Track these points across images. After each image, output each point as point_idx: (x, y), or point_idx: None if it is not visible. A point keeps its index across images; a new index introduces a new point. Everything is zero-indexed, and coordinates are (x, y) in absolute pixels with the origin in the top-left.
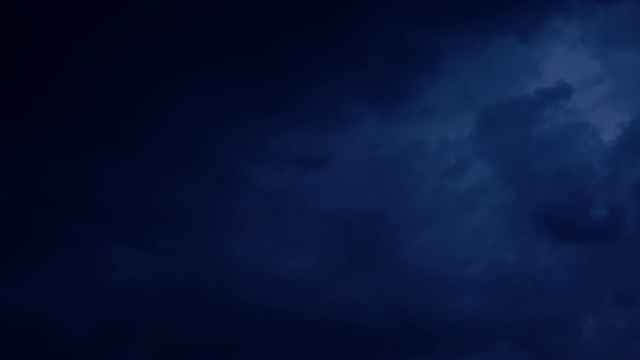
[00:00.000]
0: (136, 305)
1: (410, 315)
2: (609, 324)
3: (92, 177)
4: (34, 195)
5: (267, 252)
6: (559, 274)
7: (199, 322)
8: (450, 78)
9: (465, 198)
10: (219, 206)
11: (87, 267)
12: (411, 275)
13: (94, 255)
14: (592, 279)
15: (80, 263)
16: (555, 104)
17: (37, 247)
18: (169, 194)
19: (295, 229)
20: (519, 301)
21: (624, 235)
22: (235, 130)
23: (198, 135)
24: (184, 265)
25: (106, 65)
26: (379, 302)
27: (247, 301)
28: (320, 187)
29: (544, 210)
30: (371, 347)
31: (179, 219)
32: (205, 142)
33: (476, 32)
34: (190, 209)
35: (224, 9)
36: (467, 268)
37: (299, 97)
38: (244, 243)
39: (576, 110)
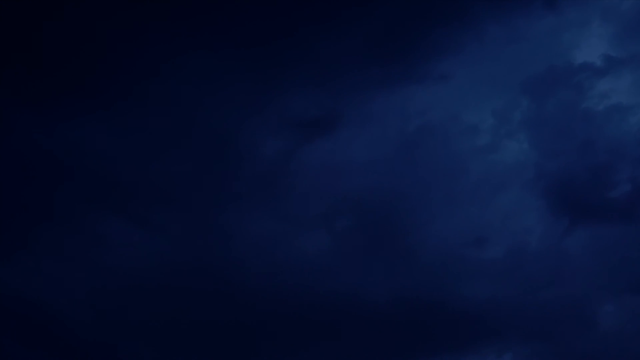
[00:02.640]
0: (132, 286)
1: (421, 301)
2: (628, 312)
3: (83, 146)
4: (22, 166)
5: (273, 231)
6: (577, 258)
7: (199, 306)
8: (474, 45)
9: (492, 176)
10: (218, 179)
11: (79, 245)
12: (426, 259)
13: (85, 232)
14: (611, 263)
15: (71, 240)
16: (591, 78)
17: (26, 222)
18: (162, 164)
19: (303, 206)
20: (533, 287)
21: None
22: (236, 94)
23: (195, 101)
24: (182, 245)
25: (101, 27)
26: (389, 287)
27: (251, 284)
28: (331, 161)
29: (567, 189)
30: (378, 333)
31: (175, 193)
32: (202, 108)
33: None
34: (187, 182)
35: None
36: (485, 252)
37: (304, 55)
38: (247, 221)
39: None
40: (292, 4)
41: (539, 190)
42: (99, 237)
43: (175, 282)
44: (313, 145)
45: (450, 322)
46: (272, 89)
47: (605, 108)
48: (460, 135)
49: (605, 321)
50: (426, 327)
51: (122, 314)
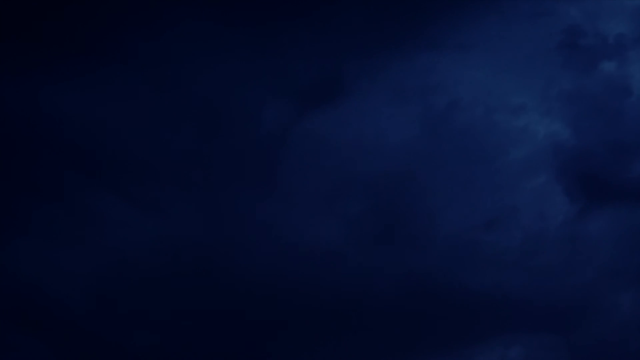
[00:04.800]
0: (131, 268)
1: (431, 291)
2: None
3: (74, 116)
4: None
5: (278, 215)
6: (593, 243)
7: (201, 294)
8: (495, 15)
9: (518, 157)
10: (218, 154)
11: (76, 226)
12: (440, 247)
13: (83, 212)
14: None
15: (68, 221)
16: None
17: (18, 200)
18: (158, 138)
19: (308, 186)
20: (544, 276)
21: None
22: (234, 59)
23: (192, 70)
24: (182, 225)
25: None
26: (398, 276)
27: (256, 271)
28: (341, 141)
29: (587, 170)
30: (386, 324)
31: (173, 170)
32: (200, 77)
33: None
34: (185, 157)
35: None
36: (499, 239)
37: (308, 16)
38: (251, 202)
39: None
40: None
41: (559, 173)
42: (96, 217)
43: (178, 266)
44: (319, 118)
45: (459, 312)
46: (274, 55)
47: None
48: (486, 113)
49: (622, 310)
50: (434, 318)
51: (121, 297)
